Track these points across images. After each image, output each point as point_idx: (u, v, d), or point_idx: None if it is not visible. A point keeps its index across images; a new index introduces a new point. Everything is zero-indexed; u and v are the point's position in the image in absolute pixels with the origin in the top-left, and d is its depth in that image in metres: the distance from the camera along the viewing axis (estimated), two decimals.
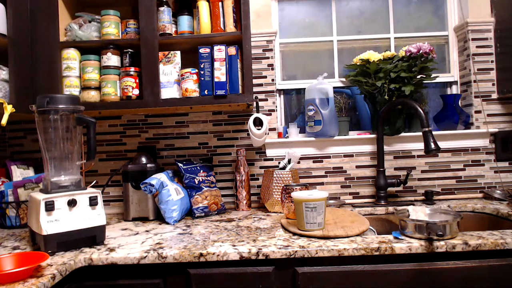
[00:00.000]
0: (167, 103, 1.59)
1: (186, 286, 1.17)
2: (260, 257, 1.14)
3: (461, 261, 1.13)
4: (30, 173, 1.72)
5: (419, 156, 1.84)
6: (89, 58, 1.63)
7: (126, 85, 1.61)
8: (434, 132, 1.72)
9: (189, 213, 1.68)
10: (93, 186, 1.42)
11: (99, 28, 1.67)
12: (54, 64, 1.60)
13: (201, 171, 1.71)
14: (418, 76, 1.75)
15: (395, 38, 1.95)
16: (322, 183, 1.86)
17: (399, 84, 1.73)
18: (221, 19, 1.60)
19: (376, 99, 1.80)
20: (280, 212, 1.67)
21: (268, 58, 1.85)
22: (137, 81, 1.63)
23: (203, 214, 1.63)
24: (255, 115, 1.70)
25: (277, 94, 1.94)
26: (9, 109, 1.28)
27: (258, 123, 1.70)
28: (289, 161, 1.75)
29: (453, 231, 1.16)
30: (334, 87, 1.85)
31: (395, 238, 1.19)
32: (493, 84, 1.83)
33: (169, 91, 1.61)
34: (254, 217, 1.60)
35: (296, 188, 1.45)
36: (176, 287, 1.18)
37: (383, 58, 1.78)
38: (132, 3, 1.72)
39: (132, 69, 1.62)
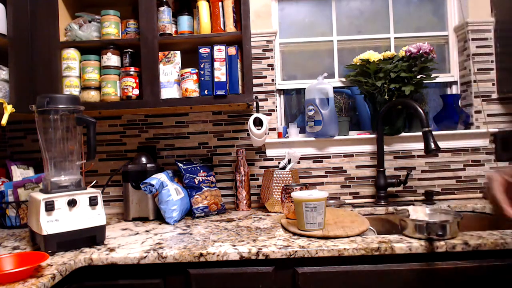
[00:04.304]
0: (167, 103, 1.59)
1: (186, 286, 1.17)
2: (260, 257, 1.14)
3: (461, 261, 1.13)
4: (30, 173, 1.72)
5: (419, 156, 1.84)
6: (89, 58, 1.63)
7: (126, 85, 1.61)
8: (434, 132, 1.72)
9: (189, 213, 1.68)
10: (93, 186, 1.42)
11: (99, 28, 1.67)
12: (54, 64, 1.60)
13: (201, 171, 1.71)
14: (418, 76, 1.75)
15: (395, 38, 1.95)
16: (322, 183, 1.86)
17: (399, 84, 1.73)
18: (221, 19, 1.61)
19: (376, 99, 1.80)
20: (280, 212, 1.67)
21: (268, 58, 1.85)
22: (137, 81, 1.63)
23: (203, 214, 1.63)
24: (255, 115, 1.70)
25: (277, 94, 1.94)
26: (9, 109, 1.29)
27: (258, 123, 1.70)
28: (289, 161, 1.75)
29: (453, 231, 1.16)
30: (334, 87, 1.85)
31: None
32: (493, 84, 1.83)
33: (169, 91, 1.61)
34: (254, 217, 1.60)
35: (296, 188, 1.45)
36: (176, 287, 1.18)
37: (383, 58, 1.78)
38: (132, 3, 1.72)
39: (132, 69, 1.62)
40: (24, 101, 1.39)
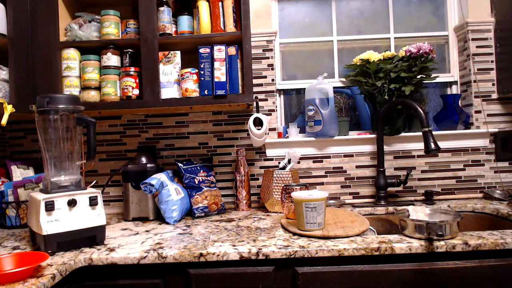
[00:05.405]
0: (167, 103, 1.59)
1: (186, 286, 1.17)
2: (260, 257, 1.14)
3: (461, 261, 1.13)
4: (30, 173, 1.72)
5: (419, 156, 1.84)
6: (89, 58, 1.63)
7: (126, 85, 1.61)
8: (434, 132, 1.73)
9: (189, 213, 1.68)
10: (93, 186, 1.42)
11: (99, 28, 1.67)
12: (54, 64, 1.60)
13: (201, 171, 1.71)
14: (418, 76, 1.75)
15: (395, 38, 1.95)
16: (322, 183, 1.86)
17: (399, 84, 1.73)
18: (221, 19, 1.60)
19: (376, 99, 1.80)
20: (280, 212, 1.68)
21: (268, 58, 1.85)
22: (137, 81, 1.63)
23: (203, 214, 1.63)
24: (255, 115, 1.70)
25: (277, 94, 1.94)
26: (9, 109, 1.28)
27: (258, 123, 1.70)
28: (289, 161, 1.75)
29: (453, 231, 1.16)
30: (334, 87, 1.85)
31: None
32: (493, 84, 1.83)
33: (169, 91, 1.61)
34: (254, 217, 1.60)
35: (296, 188, 1.45)
36: (176, 287, 1.18)
37: (383, 58, 1.78)
38: (132, 3, 1.72)
39: (132, 69, 1.62)
40: (24, 101, 1.39)
